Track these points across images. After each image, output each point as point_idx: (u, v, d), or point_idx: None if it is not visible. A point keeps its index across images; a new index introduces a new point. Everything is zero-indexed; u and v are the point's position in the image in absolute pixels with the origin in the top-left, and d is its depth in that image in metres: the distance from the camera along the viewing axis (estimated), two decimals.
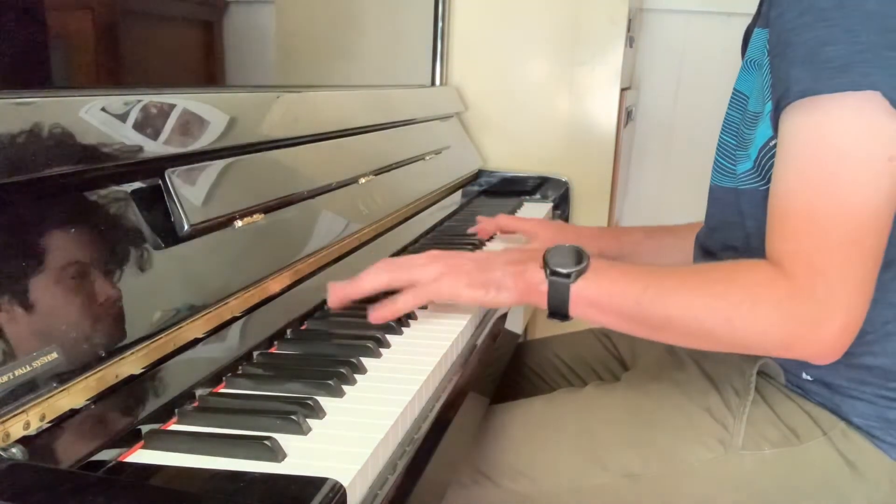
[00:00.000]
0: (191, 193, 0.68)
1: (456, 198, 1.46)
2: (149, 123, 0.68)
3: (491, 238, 1.17)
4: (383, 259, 0.78)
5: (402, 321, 0.76)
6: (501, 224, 1.11)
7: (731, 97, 0.82)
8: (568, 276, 0.70)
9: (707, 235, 0.87)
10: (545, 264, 0.71)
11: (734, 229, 0.80)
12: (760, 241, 0.76)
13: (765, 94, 0.72)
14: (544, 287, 0.71)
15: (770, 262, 0.66)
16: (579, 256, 0.71)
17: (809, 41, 0.63)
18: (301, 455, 0.51)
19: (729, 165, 0.81)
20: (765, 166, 0.74)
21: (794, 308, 0.63)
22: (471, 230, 1.14)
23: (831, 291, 0.62)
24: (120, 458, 0.50)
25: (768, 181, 0.75)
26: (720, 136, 0.83)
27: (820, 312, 0.63)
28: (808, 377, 0.77)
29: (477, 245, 1.10)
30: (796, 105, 0.65)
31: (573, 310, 0.71)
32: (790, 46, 0.65)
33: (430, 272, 0.74)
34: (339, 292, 0.75)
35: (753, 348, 0.69)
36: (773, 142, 0.72)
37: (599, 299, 0.70)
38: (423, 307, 0.81)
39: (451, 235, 1.18)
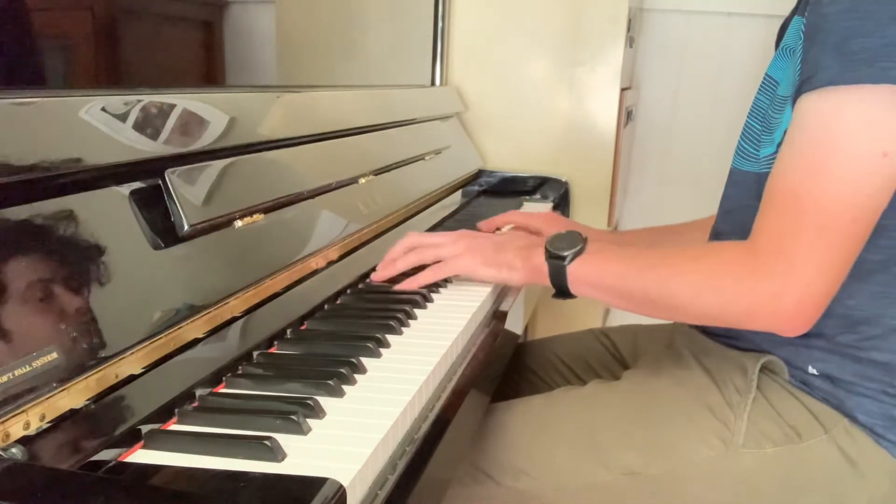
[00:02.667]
0: (190, 193, 0.68)
1: (456, 198, 1.46)
2: (149, 123, 0.68)
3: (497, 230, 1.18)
4: (412, 234, 0.88)
5: (403, 321, 0.76)
6: (511, 219, 1.13)
7: (762, 82, 0.83)
8: (564, 258, 0.78)
9: (722, 218, 0.88)
10: (546, 248, 0.80)
11: (751, 213, 0.80)
12: None
13: (795, 79, 0.72)
14: (545, 268, 0.79)
15: (747, 239, 0.70)
16: (577, 241, 0.79)
17: (842, 30, 0.65)
18: (301, 455, 0.51)
19: (752, 150, 0.82)
20: None
21: (754, 283, 0.68)
22: (481, 224, 1.16)
23: (791, 270, 0.66)
24: (120, 458, 0.50)
25: None
26: (746, 121, 0.84)
27: (778, 287, 0.67)
28: (814, 371, 0.77)
29: None
30: (818, 92, 0.66)
31: (573, 288, 0.79)
32: (823, 33, 0.66)
33: (453, 250, 0.85)
34: (380, 276, 0.88)
35: (720, 320, 0.74)
36: None
37: (591, 277, 0.78)
38: (423, 308, 0.82)
39: None
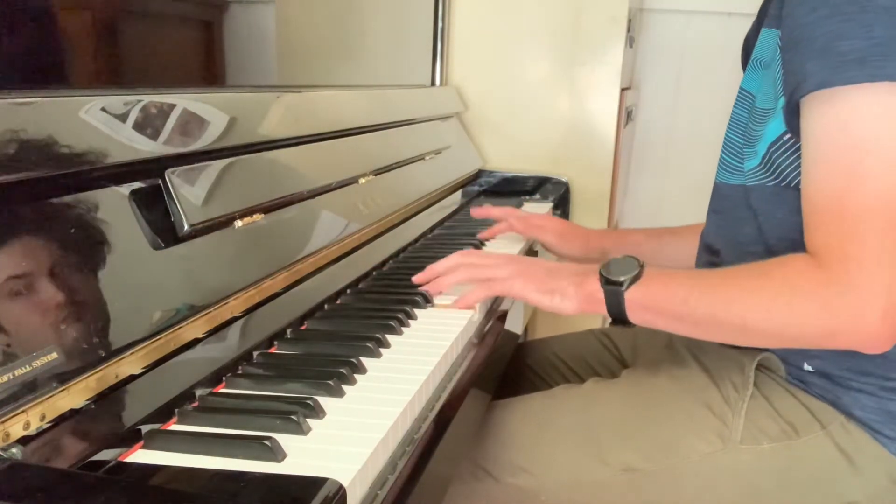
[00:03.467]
0: (190, 193, 0.68)
1: (456, 198, 1.46)
2: (149, 123, 0.68)
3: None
4: (460, 252, 0.86)
5: (403, 321, 0.76)
6: (513, 225, 1.13)
7: (738, 96, 0.83)
8: (621, 283, 0.74)
9: (713, 232, 0.88)
10: (601, 274, 0.76)
11: (743, 225, 0.81)
12: (774, 235, 0.78)
13: (777, 91, 0.73)
14: (601, 295, 0.75)
15: (808, 254, 0.68)
16: (633, 265, 0.74)
17: (824, 35, 0.65)
18: (301, 455, 0.51)
19: (735, 163, 0.82)
20: (774, 162, 0.75)
21: (830, 297, 0.64)
22: (482, 219, 1.18)
23: (868, 278, 0.63)
24: (120, 458, 0.50)
25: (777, 177, 0.76)
26: (726, 135, 0.84)
27: (858, 300, 0.63)
28: (810, 368, 0.78)
29: (477, 246, 1.10)
30: (812, 98, 0.66)
31: (631, 314, 0.75)
32: (804, 41, 0.66)
33: (505, 272, 0.82)
34: (426, 288, 0.85)
35: (798, 340, 0.70)
36: (786, 136, 0.73)
37: (651, 303, 0.74)
38: (423, 308, 0.82)
39: (451, 235, 1.18)
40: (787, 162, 0.74)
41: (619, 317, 0.76)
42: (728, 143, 0.84)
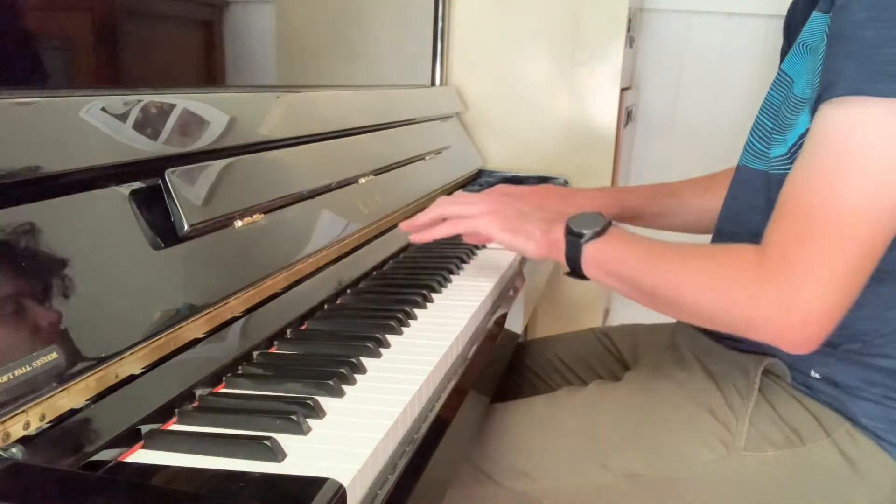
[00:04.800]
0: (190, 193, 0.68)
1: None
2: (149, 123, 0.68)
3: None
4: (441, 199, 0.91)
5: (403, 321, 0.76)
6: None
7: (776, 78, 0.81)
8: (581, 236, 0.77)
9: (726, 217, 0.86)
10: (567, 224, 0.78)
11: (759, 214, 0.78)
12: None
13: (814, 82, 0.70)
14: (562, 244, 0.78)
15: (757, 247, 0.67)
16: (598, 222, 0.77)
17: (869, 39, 0.62)
18: (301, 455, 0.51)
19: (762, 148, 0.79)
20: None
21: (760, 292, 0.64)
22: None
23: (801, 282, 0.62)
24: (120, 458, 0.50)
25: None
26: (757, 117, 0.82)
27: (786, 300, 0.63)
28: (817, 375, 0.77)
29: (470, 253, 1.09)
30: (839, 100, 0.63)
31: (586, 269, 0.77)
32: (847, 40, 0.63)
33: (476, 209, 0.86)
34: (409, 226, 0.91)
35: (721, 324, 0.71)
36: None
37: (604, 261, 0.76)
38: (423, 308, 0.82)
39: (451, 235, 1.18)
40: None
41: (574, 268, 0.78)
42: (758, 126, 0.81)
